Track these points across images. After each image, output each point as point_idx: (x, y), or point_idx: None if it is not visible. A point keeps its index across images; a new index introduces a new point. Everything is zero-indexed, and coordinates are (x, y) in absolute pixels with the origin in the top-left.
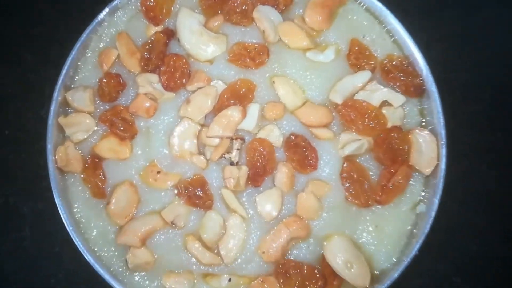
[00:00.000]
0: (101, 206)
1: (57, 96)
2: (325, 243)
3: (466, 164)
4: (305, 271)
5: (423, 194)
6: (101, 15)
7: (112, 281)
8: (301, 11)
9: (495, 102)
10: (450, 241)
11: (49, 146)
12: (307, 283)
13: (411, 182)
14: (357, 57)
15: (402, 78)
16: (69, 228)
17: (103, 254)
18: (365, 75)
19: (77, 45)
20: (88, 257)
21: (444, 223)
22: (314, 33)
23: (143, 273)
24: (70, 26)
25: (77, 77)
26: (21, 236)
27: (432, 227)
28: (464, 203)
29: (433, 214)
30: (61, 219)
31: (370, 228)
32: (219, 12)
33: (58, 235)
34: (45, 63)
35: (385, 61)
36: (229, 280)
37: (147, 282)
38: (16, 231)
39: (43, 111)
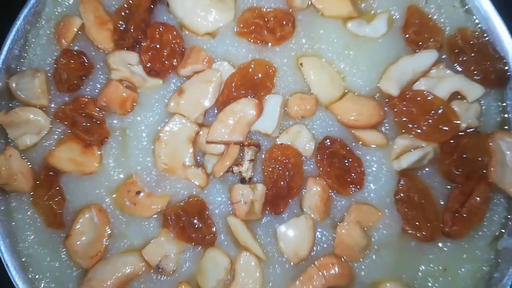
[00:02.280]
0: (58, 240)
1: None
2: None
3: None
4: None
5: (507, 222)
6: None
7: None
8: None
9: None
10: None
11: None
12: None
13: (492, 207)
14: (418, 31)
15: (479, 61)
16: (10, 273)
17: None
18: (429, 56)
19: (24, 10)
20: None
21: None
22: None
23: None
24: None
25: (24, 56)
26: None
27: None
28: None
29: None
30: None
31: (436, 272)
32: None
33: None
34: None
35: (456, 38)
36: None
37: None
38: None
39: None
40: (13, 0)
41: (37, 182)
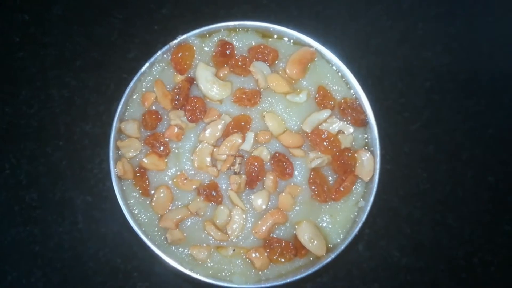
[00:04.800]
0: (147, 202)
1: (115, 126)
2: (296, 226)
3: (398, 176)
4: (283, 244)
5: (363, 194)
6: (143, 68)
7: (157, 251)
8: (284, 65)
9: (421, 131)
10: (390, 227)
11: (111, 162)
12: (284, 252)
13: (355, 186)
14: (322, 98)
15: (353, 114)
16: (128, 218)
17: (150, 233)
18: (326, 112)
19: (127, 90)
20: (142, 236)
21: (383, 214)
22: (293, 81)
23: (177, 246)
24: (122, 76)
25: (127, 112)
26: (75, 220)
27: (371, 217)
28: (400, 198)
29: (368, 207)
30: (116, 209)
31: (327, 217)
32: (226, 65)
33: (103, 222)
34: (95, 104)
35: (342, 102)
36: (233, 250)
37: (180, 251)
38: (71, 217)
39: (88, 125)
40: (109, 85)
41: (136, 175)
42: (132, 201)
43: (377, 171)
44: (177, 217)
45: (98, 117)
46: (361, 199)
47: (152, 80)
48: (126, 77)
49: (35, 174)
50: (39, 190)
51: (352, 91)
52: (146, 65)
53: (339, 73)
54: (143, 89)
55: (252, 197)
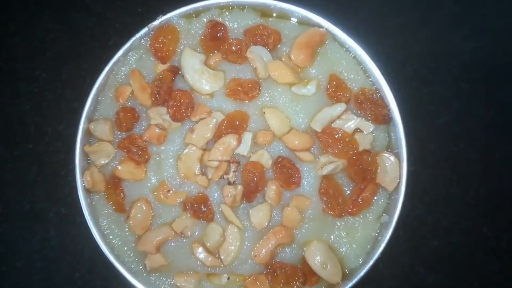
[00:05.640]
0: (122, 220)
1: (82, 127)
2: (305, 248)
3: (424, 179)
4: (289, 270)
5: (386, 206)
6: (116, 56)
7: (134, 281)
8: (287, 50)
9: (450, 126)
10: (413, 239)
11: (78, 171)
12: (290, 280)
13: (377, 197)
14: (335, 90)
15: (372, 109)
16: (98, 240)
17: (125, 259)
18: (340, 106)
19: (97, 83)
20: (114, 262)
21: (405, 224)
22: (299, 69)
23: (158, 274)
24: (101, 67)
25: (97, 109)
26: (47, 236)
27: (397, 230)
28: (425, 205)
29: (393, 223)
30: (86, 225)
31: (343, 235)
32: (217, 51)
33: (80, 238)
34: (69, 100)
35: (359, 94)
36: (228, 278)
37: (162, 280)
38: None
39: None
40: (88, 74)
41: (108, 186)
42: (103, 219)
43: (404, 178)
44: (158, 238)
45: (72, 115)
46: (384, 213)
47: (127, 70)
48: (96, 66)
49: (0, 183)
50: (5, 201)
51: (371, 80)
52: (120, 52)
53: (355, 59)
54: (117, 82)
55: (251, 212)
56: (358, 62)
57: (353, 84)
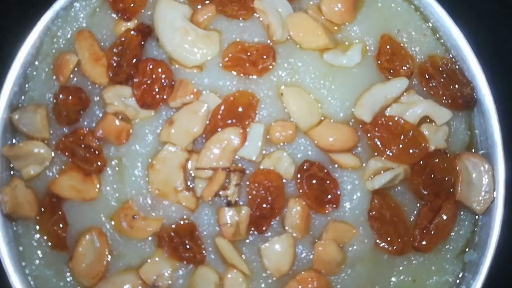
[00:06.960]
0: (63, 261)
1: (0, 118)
2: None
3: None
4: None
5: (472, 236)
6: (55, 8)
7: None
8: None
9: None
10: None
11: None
12: None
13: (458, 223)
14: (390, 59)
15: (447, 86)
16: None
17: None
18: (400, 83)
19: (24, 50)
20: None
21: (498, 269)
22: (335, 27)
23: None
24: (13, 24)
25: (25, 92)
26: None
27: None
28: None
29: (486, 264)
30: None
31: (406, 283)
32: (209, 1)
33: None
34: None
35: (426, 64)
36: None
37: None
38: None
39: None
40: (11, 41)
41: (42, 209)
42: (32, 261)
43: (501, 194)
44: None
45: None
46: (470, 249)
47: (72, 31)
48: (22, 26)
49: None
50: None
51: (445, 43)
52: (60, 2)
53: (420, 11)
54: (55, 50)
55: (263, 249)
56: (425, 16)
57: (417, 50)
